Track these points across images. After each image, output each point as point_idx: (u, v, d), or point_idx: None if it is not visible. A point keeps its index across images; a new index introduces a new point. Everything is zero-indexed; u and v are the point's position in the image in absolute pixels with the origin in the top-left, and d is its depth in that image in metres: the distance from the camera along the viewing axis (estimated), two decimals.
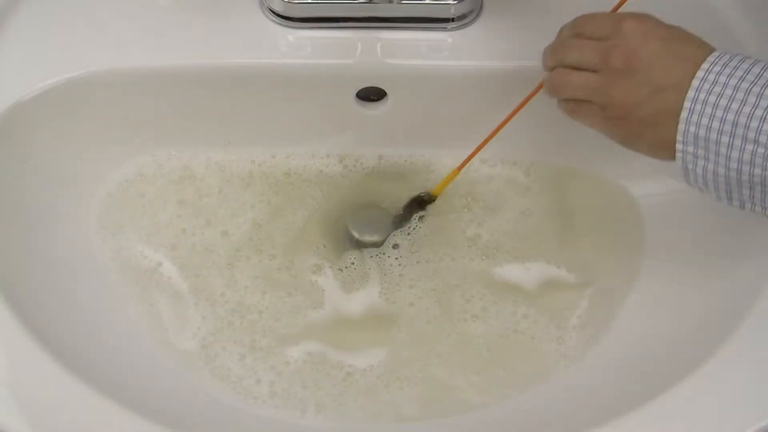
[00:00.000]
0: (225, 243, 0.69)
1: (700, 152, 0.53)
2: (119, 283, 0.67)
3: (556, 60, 0.60)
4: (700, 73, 0.53)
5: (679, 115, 0.53)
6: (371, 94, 0.70)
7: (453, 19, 0.69)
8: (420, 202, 0.71)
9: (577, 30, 0.60)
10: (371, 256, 0.69)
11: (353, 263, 0.69)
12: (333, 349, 0.65)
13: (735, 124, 0.51)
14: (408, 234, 0.70)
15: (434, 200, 0.71)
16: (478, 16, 0.69)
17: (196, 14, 0.69)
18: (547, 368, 0.64)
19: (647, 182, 0.70)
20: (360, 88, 0.69)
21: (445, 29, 0.69)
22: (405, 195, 0.71)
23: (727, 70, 0.52)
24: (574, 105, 0.59)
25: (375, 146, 0.73)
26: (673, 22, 0.56)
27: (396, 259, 0.69)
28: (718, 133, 0.52)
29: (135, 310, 0.66)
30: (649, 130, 0.56)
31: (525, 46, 0.67)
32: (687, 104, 0.53)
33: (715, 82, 0.52)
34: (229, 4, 0.69)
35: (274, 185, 0.72)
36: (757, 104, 0.51)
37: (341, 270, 0.69)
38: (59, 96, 0.66)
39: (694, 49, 0.54)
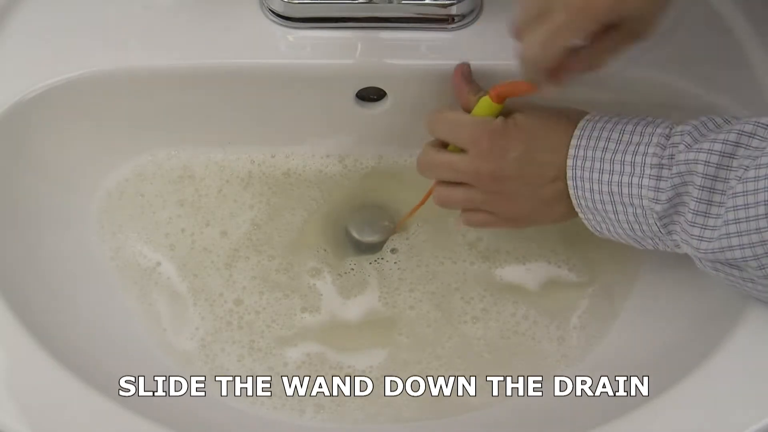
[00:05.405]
0: (224, 243, 0.69)
1: (601, 222, 0.58)
2: (118, 282, 0.67)
3: (433, 176, 0.63)
4: (570, 162, 0.57)
5: (565, 196, 0.58)
6: (371, 94, 0.70)
7: (453, 19, 0.69)
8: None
9: (437, 131, 0.62)
10: (370, 263, 0.69)
11: (353, 269, 0.69)
12: (332, 350, 0.65)
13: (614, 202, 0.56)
14: (407, 238, 0.70)
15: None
16: (478, 16, 0.69)
17: (196, 14, 0.69)
18: (547, 369, 0.64)
19: None
20: (360, 88, 0.69)
21: (445, 29, 0.69)
22: (404, 195, 0.71)
23: (591, 151, 0.56)
24: (469, 216, 0.63)
25: (375, 146, 0.73)
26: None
27: (395, 263, 0.69)
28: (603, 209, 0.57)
29: (134, 310, 0.66)
30: (544, 216, 0.61)
31: None
32: (572, 192, 0.57)
33: (585, 158, 0.56)
34: (229, 4, 0.69)
35: (274, 185, 0.72)
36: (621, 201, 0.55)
37: (340, 275, 0.68)
38: (59, 96, 0.66)
39: (559, 135, 0.58)
